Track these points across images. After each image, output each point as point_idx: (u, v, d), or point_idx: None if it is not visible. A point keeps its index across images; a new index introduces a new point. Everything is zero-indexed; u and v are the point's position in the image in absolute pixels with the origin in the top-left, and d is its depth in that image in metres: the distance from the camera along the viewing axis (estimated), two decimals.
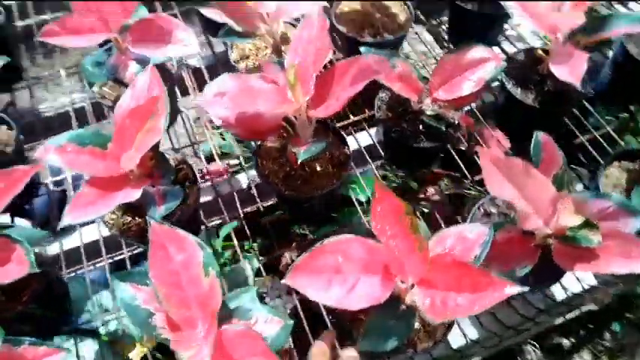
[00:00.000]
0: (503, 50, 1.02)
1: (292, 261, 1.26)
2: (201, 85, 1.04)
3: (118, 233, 0.70)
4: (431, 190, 1.38)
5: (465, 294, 0.47)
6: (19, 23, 1.13)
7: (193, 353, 0.49)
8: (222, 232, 1.34)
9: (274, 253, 1.05)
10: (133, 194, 0.61)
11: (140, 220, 0.71)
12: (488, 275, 0.47)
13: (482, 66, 0.73)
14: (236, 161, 1.04)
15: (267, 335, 0.55)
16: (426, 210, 1.14)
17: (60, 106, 0.99)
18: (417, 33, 1.10)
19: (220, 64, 1.02)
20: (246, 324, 0.56)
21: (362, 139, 0.93)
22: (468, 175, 0.90)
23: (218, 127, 1.00)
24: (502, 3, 0.80)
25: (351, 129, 0.94)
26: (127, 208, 0.71)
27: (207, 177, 0.89)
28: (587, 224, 0.56)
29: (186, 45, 0.73)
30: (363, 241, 0.53)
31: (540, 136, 0.62)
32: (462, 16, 0.96)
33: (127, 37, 0.74)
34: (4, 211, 0.63)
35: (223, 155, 1.18)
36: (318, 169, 0.74)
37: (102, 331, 1.15)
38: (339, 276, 0.51)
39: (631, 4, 1.15)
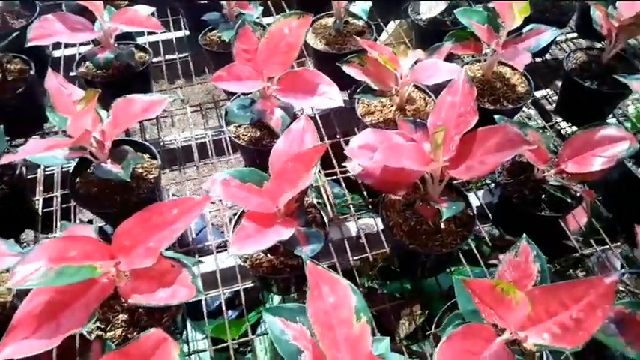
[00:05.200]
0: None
1: None
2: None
3: (249, 266, 0.74)
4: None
5: (573, 307, 0.53)
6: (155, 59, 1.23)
7: None
8: None
9: None
10: (285, 233, 0.64)
11: (272, 257, 0.74)
12: (580, 282, 0.54)
13: (615, 145, 0.75)
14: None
15: None
16: None
17: (184, 140, 1.06)
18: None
19: (337, 115, 1.07)
20: None
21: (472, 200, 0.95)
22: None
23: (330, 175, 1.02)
24: (628, 83, 0.82)
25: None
26: None
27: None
28: None
29: (330, 98, 0.79)
30: None
31: None
32: (576, 91, 0.98)
33: (276, 86, 0.81)
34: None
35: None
36: (442, 226, 0.77)
37: None
38: None
39: None
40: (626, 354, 0.60)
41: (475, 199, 0.96)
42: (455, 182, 0.92)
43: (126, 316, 0.67)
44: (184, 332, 0.94)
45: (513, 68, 0.98)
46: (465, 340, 0.57)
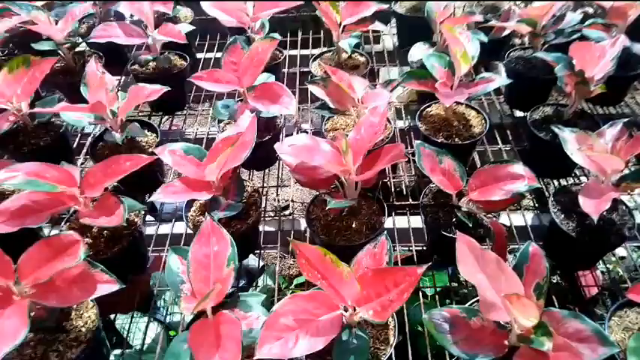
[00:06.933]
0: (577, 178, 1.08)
1: None
2: None
3: (192, 227, 0.92)
4: None
5: (393, 290, 0.63)
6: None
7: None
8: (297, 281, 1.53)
9: None
10: (204, 196, 0.82)
11: None
12: (401, 269, 0.64)
13: (516, 181, 0.82)
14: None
15: (255, 328, 0.70)
16: None
17: (199, 134, 1.30)
18: (500, 149, 1.20)
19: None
20: (242, 316, 0.71)
21: (413, 222, 1.05)
22: None
23: None
24: (561, 137, 0.89)
25: (407, 210, 1.07)
26: (203, 212, 0.93)
27: (277, 213, 1.09)
28: (543, 330, 0.61)
29: (286, 107, 0.96)
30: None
31: (531, 246, 0.69)
32: (535, 142, 1.05)
33: (252, 93, 1.00)
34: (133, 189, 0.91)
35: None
36: (354, 226, 0.89)
37: (168, 319, 1.39)
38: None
39: None
40: (450, 351, 0.67)
41: (419, 222, 1.06)
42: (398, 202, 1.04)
43: (90, 240, 0.89)
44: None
45: (478, 111, 1.08)
46: (311, 301, 0.69)
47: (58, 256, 0.70)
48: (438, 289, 1.07)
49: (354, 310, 0.68)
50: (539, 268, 0.68)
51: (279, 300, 0.72)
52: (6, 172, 0.74)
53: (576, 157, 0.85)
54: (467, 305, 0.75)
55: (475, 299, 0.79)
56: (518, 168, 0.84)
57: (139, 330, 1.36)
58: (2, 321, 0.64)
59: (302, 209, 1.40)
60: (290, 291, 1.56)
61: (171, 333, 1.44)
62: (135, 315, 1.24)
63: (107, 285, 0.72)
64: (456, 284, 1.41)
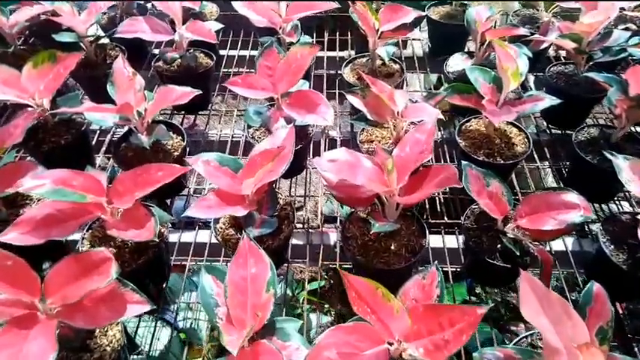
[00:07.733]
0: (618, 207, 1.03)
1: None
2: None
3: (220, 240, 0.88)
4: None
5: (448, 330, 0.57)
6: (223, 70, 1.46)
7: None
8: (310, 286, 1.48)
9: None
10: (240, 211, 0.78)
11: (240, 236, 0.87)
12: (458, 307, 0.58)
13: (570, 211, 0.78)
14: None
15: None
16: None
17: (223, 136, 1.25)
18: (538, 167, 1.16)
19: (353, 142, 1.19)
20: (281, 345, 0.67)
21: (448, 241, 1.00)
22: None
23: None
24: (615, 164, 0.84)
25: (442, 229, 1.03)
26: (233, 224, 0.89)
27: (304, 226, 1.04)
28: None
29: (324, 118, 0.91)
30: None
31: (595, 286, 0.64)
32: (579, 164, 1.00)
33: (286, 100, 0.95)
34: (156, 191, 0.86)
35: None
36: (392, 248, 0.84)
37: (180, 324, 1.35)
38: None
39: None
40: None
41: (454, 241, 1.01)
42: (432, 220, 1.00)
43: (114, 249, 0.84)
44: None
45: (520, 129, 1.03)
46: (354, 333, 0.65)
47: (88, 274, 0.65)
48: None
49: (400, 344, 0.63)
50: (603, 309, 0.64)
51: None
52: (33, 180, 0.70)
53: (632, 187, 0.81)
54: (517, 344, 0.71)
55: (523, 335, 0.75)
56: (572, 196, 0.79)
57: (148, 333, 1.32)
58: (28, 343, 0.60)
59: (314, 212, 1.34)
60: (302, 297, 1.51)
61: (182, 336, 1.40)
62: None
63: (138, 306, 0.68)
64: (473, 297, 1.38)
